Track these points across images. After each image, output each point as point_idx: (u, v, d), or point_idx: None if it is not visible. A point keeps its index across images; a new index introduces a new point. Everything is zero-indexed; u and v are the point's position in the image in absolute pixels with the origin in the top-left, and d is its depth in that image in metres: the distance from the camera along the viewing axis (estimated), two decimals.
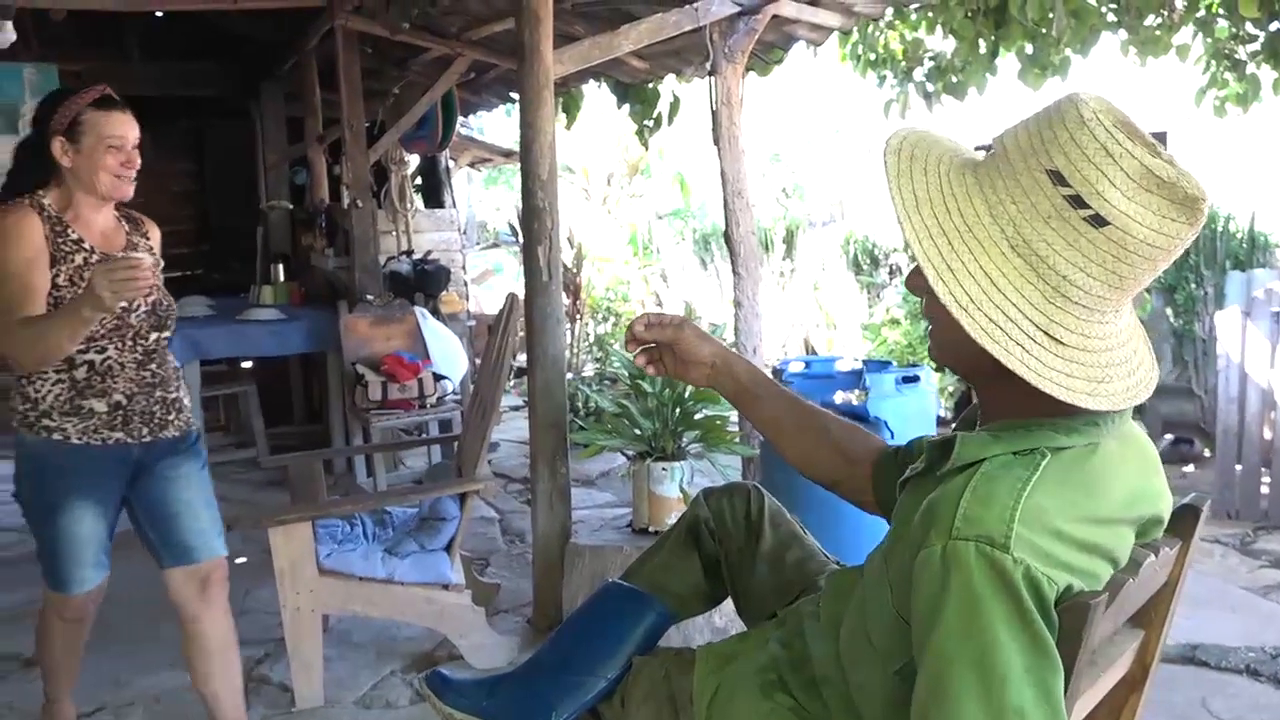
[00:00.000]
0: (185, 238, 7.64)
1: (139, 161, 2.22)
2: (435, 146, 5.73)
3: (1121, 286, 1.04)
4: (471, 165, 9.43)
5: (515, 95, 6.15)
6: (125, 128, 2.18)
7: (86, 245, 2.18)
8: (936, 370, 5.98)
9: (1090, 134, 1.00)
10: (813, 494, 2.86)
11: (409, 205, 6.11)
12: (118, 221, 2.31)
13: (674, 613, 1.69)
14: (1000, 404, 1.15)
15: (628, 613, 1.66)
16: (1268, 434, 4.28)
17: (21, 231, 2.10)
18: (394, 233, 6.08)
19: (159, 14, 5.87)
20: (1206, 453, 5.01)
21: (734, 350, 1.64)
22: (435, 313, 5.02)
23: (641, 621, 1.65)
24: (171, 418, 2.30)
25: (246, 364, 5.44)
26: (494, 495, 4.44)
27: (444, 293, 5.32)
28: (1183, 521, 1.29)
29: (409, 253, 5.64)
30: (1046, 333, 1.04)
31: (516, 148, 9.06)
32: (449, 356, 4.68)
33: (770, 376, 1.63)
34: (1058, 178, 1.01)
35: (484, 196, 13.61)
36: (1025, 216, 1.03)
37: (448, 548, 2.89)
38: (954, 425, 1.36)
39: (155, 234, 2.43)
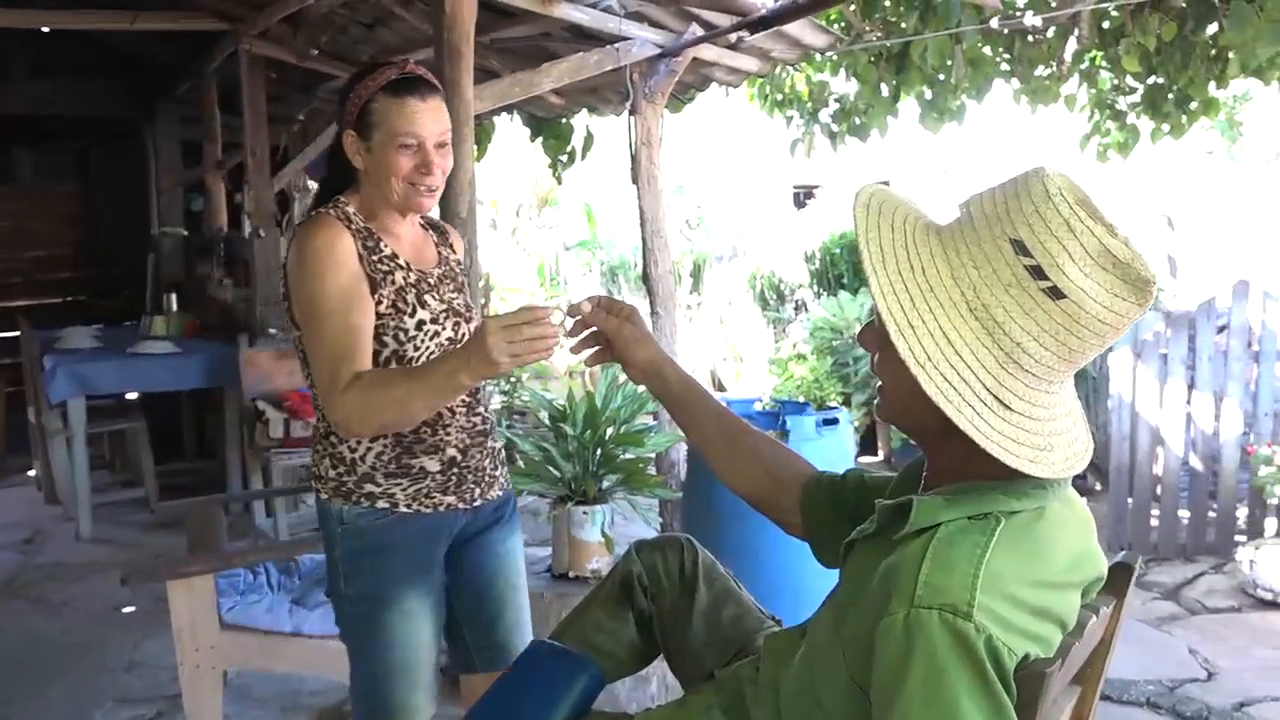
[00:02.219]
0: (69, 263, 7.32)
1: (447, 165, 1.73)
2: None
3: (1070, 359, 1.07)
4: None
5: None
6: (422, 121, 1.68)
7: (402, 261, 1.75)
8: (844, 403, 6.08)
9: (1055, 209, 1.03)
10: (734, 540, 2.86)
11: None
12: (424, 230, 1.88)
13: (607, 673, 1.65)
14: (947, 464, 1.16)
15: (559, 675, 1.60)
16: (1157, 470, 4.48)
17: (336, 254, 1.66)
18: None
19: (45, 30, 5.60)
20: (1098, 486, 5.21)
21: (669, 356, 1.58)
22: None
23: (574, 684, 1.59)
24: (497, 473, 1.89)
25: (131, 396, 5.18)
26: None
27: None
28: (1116, 579, 1.31)
29: None
30: (996, 396, 1.06)
31: None
32: None
33: (703, 387, 1.59)
34: (1020, 248, 1.03)
35: None
36: (986, 282, 1.05)
37: None
38: (889, 486, 1.36)
39: (460, 245, 1.97)
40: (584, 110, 5.00)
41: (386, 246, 1.74)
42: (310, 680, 3.00)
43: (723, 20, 3.65)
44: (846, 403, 6.17)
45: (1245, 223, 9.62)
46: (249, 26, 4.52)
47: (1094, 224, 1.02)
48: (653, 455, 3.28)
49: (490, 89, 3.35)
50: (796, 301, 7.64)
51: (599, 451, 2.88)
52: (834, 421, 3.09)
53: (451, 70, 2.95)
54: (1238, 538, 4.28)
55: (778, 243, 8.64)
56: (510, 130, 6.15)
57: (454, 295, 1.84)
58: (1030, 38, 5.26)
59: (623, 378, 3.34)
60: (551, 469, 2.89)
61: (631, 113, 3.71)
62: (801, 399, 5.83)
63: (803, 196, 13.25)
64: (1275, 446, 4.12)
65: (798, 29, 3.74)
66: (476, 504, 1.83)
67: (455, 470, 1.78)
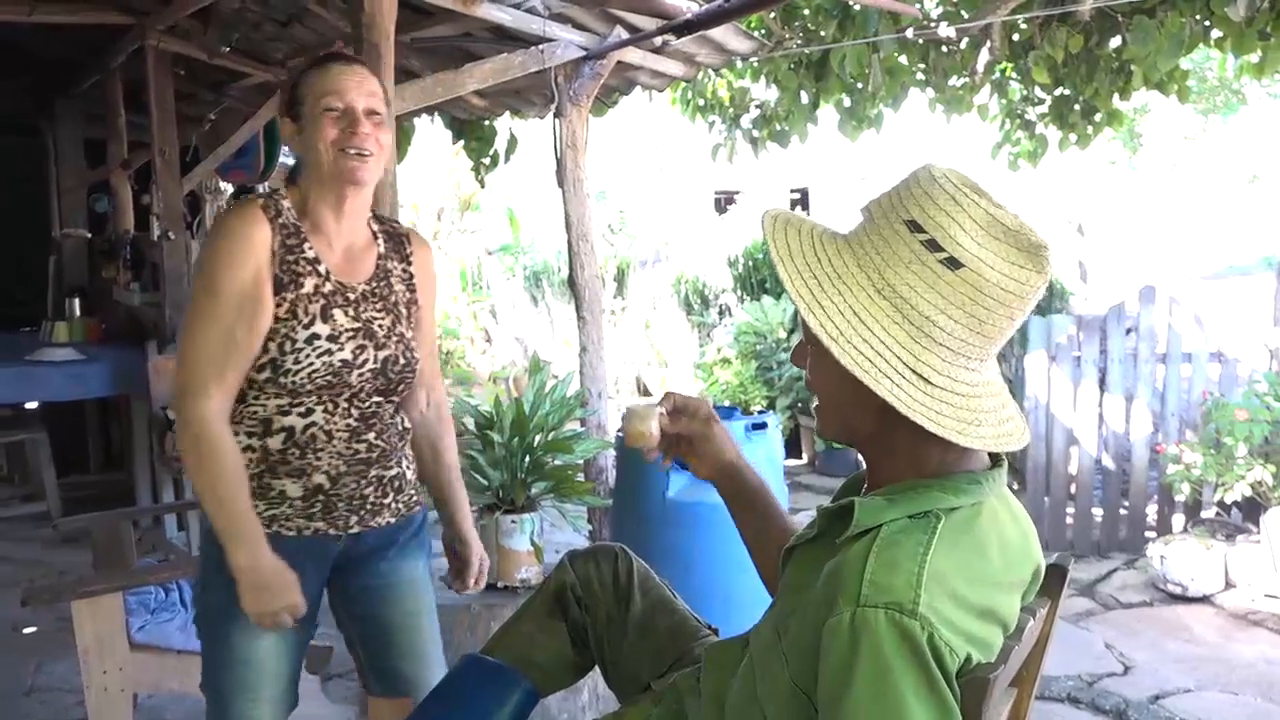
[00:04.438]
0: None
1: (382, 138, 1.64)
2: (256, 177, 5.42)
3: (982, 331, 1.09)
4: None
5: None
6: (344, 84, 1.61)
7: (321, 268, 1.64)
8: (768, 407, 6.12)
9: (940, 187, 1.09)
10: (663, 547, 2.85)
11: None
12: (372, 238, 1.74)
13: (541, 687, 1.61)
14: (887, 467, 1.17)
15: (492, 692, 1.57)
16: (1072, 469, 4.61)
17: (246, 248, 1.56)
18: None
19: None
20: (1015, 486, 5.34)
21: (745, 459, 1.58)
22: None
23: (507, 700, 1.56)
24: (388, 501, 1.77)
25: (31, 405, 4.93)
26: None
27: None
28: (1050, 581, 1.33)
29: None
30: (914, 370, 1.07)
31: None
32: None
33: (771, 492, 1.57)
34: (914, 226, 1.08)
35: None
36: (888, 263, 1.09)
37: None
38: (834, 493, 1.36)
39: (426, 257, 1.84)
40: (507, 112, 4.94)
41: (310, 249, 1.64)
42: None
43: (648, 24, 3.64)
44: (771, 406, 6.23)
45: (1147, 229, 10.02)
46: (156, 21, 4.34)
47: (979, 198, 1.08)
48: (581, 462, 3.24)
49: (411, 89, 3.27)
50: (720, 306, 7.68)
51: (527, 458, 2.84)
52: (763, 426, 3.10)
53: (370, 69, 2.86)
54: (1148, 534, 4.43)
55: (701, 247, 8.68)
56: (431, 132, 6.05)
57: (376, 315, 1.70)
58: (944, 48, 5.38)
59: (550, 383, 3.30)
60: (479, 477, 2.83)
61: (556, 115, 3.67)
62: (727, 403, 5.86)
63: (724, 202, 13.36)
64: (1182, 446, 4.27)
65: (722, 34, 3.74)
66: (354, 530, 1.72)
67: (321, 497, 1.67)
